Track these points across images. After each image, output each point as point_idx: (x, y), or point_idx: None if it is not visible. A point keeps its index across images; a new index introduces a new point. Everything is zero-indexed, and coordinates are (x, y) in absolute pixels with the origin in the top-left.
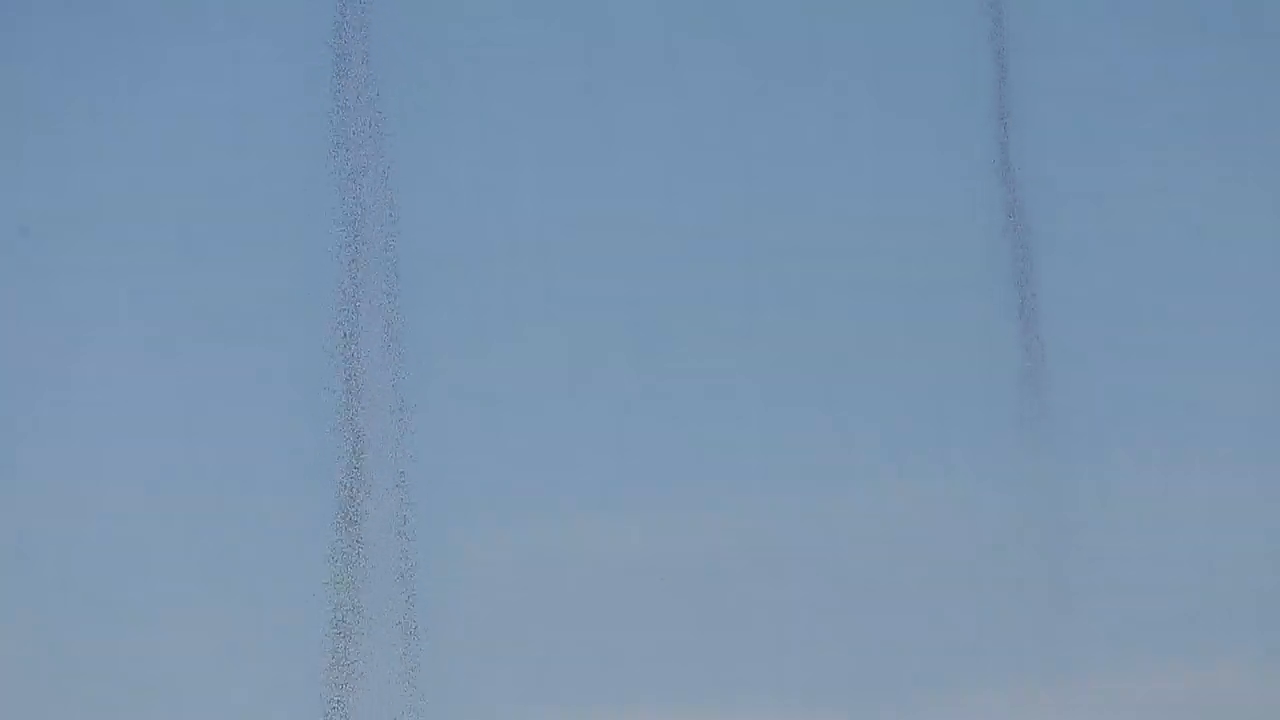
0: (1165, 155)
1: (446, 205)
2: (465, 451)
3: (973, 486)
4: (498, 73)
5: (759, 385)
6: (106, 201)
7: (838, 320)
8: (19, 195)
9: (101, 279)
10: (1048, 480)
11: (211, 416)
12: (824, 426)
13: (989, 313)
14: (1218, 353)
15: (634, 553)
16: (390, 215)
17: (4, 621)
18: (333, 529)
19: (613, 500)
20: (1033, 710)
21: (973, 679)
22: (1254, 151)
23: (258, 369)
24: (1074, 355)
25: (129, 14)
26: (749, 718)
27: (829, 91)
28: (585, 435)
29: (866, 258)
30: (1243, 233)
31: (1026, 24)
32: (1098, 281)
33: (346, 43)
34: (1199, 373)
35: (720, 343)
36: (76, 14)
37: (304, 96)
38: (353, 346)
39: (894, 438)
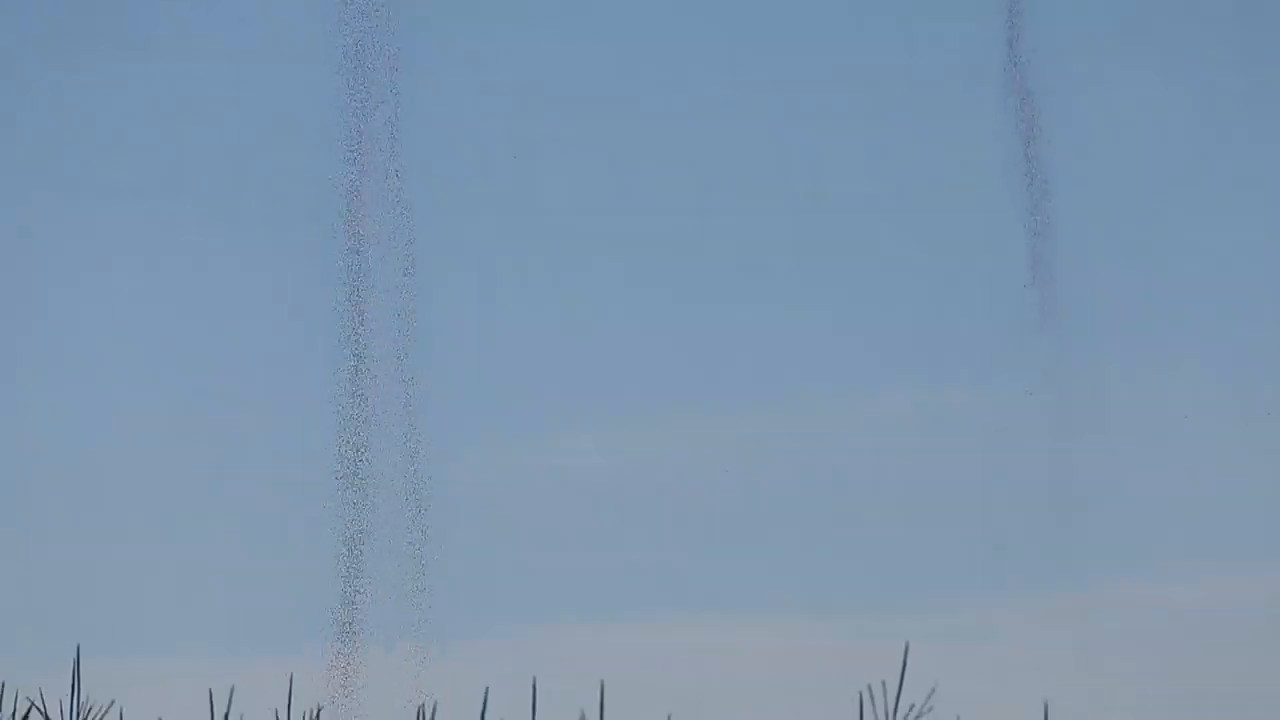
0: (1174, 65)
1: (451, 121)
2: (470, 373)
3: (981, 389)
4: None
5: (762, 289)
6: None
7: (847, 226)
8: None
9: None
10: (1056, 381)
11: (218, 335)
12: (833, 332)
13: (998, 218)
14: (1229, 252)
15: (640, 464)
16: (394, 134)
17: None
18: (339, 451)
19: (622, 412)
20: (1040, 617)
21: (980, 587)
22: (1260, 73)
23: (263, 291)
24: (1083, 255)
25: None
26: (755, 628)
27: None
28: (591, 348)
29: (879, 168)
30: (1246, 135)
31: None
32: (1106, 187)
33: None
34: (1207, 271)
35: (726, 249)
36: None
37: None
38: (358, 267)
39: (901, 342)
